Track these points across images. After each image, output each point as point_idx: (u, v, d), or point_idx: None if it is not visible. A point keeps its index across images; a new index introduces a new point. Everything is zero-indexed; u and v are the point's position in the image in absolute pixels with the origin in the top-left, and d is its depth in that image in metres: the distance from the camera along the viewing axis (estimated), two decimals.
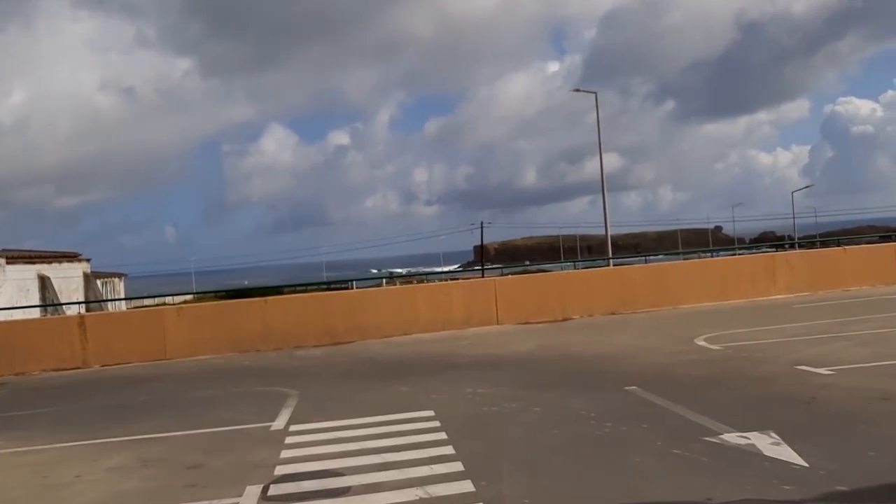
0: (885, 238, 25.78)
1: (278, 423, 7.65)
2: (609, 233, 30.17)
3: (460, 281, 17.42)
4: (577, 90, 32.54)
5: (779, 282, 18.50)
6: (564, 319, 16.52)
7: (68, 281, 57.12)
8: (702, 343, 11.32)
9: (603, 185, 30.78)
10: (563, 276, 18.37)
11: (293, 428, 7.38)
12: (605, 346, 11.98)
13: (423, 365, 11.32)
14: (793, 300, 17.30)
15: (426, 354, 12.59)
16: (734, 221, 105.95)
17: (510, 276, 18.16)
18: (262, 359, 14.06)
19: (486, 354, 12.04)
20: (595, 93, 31.33)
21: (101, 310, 44.62)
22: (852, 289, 18.29)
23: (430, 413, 7.54)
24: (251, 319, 15.54)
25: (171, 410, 9.08)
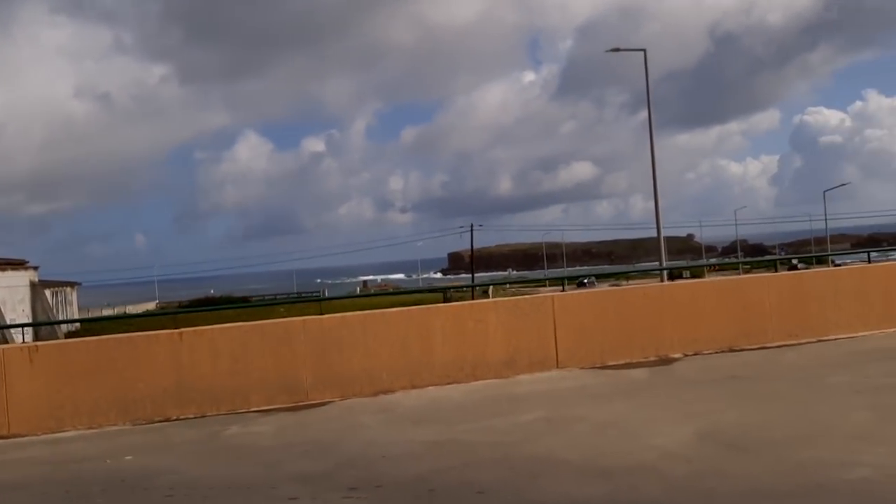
0: None
1: None
2: (662, 234, 23.96)
3: (498, 300, 11.28)
4: (618, 49, 26.48)
5: None
6: (662, 360, 10.44)
7: (13, 291, 49.65)
8: None
9: (654, 171, 24.47)
10: (655, 292, 12.19)
11: None
12: (840, 438, 5.87)
13: (486, 501, 5.14)
14: None
15: (476, 455, 6.37)
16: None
17: (572, 292, 12.02)
18: (165, 443, 7.86)
19: (604, 466, 5.81)
20: (644, 50, 25.48)
21: (52, 331, 36.19)
22: None
23: None
24: (156, 366, 9.23)
25: None
